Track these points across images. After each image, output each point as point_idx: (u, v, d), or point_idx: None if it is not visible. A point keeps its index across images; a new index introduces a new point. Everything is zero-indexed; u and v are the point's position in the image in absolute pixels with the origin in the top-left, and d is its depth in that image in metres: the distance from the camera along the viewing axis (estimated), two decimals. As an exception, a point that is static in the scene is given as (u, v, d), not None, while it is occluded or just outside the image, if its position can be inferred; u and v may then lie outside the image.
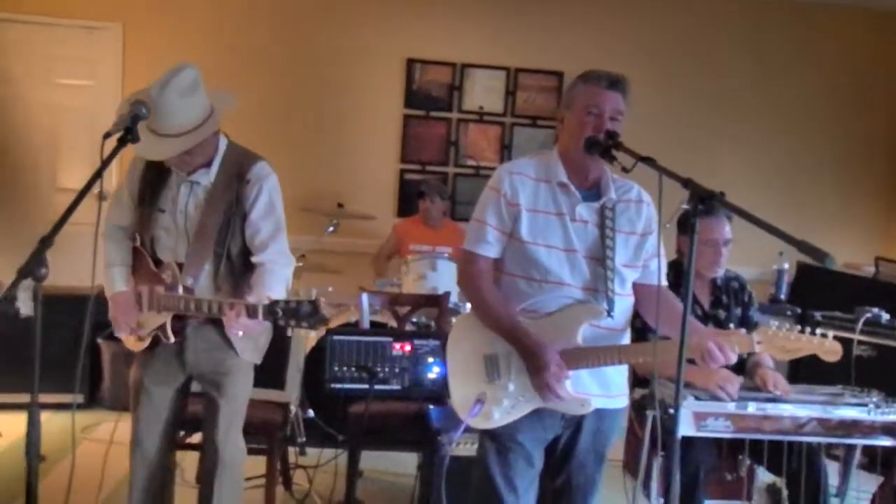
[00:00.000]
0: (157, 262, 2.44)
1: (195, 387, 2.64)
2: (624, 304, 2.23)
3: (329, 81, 5.44)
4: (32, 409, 1.57)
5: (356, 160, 5.49)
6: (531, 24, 5.55)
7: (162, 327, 2.38)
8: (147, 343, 2.46)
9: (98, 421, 4.10)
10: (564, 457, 2.29)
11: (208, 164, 2.40)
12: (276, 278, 2.38)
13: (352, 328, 3.78)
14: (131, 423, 2.56)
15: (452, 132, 5.60)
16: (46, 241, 1.65)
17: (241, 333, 2.25)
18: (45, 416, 1.95)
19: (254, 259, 2.43)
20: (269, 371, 3.28)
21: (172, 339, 2.38)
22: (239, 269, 2.46)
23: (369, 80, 5.47)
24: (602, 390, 2.23)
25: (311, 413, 3.99)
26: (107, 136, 1.94)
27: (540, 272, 2.18)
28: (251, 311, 2.18)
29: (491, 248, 2.23)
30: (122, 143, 1.93)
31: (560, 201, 2.19)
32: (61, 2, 5.24)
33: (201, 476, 2.63)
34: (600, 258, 2.17)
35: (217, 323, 2.41)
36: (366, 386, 3.10)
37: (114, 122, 2.02)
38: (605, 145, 2.05)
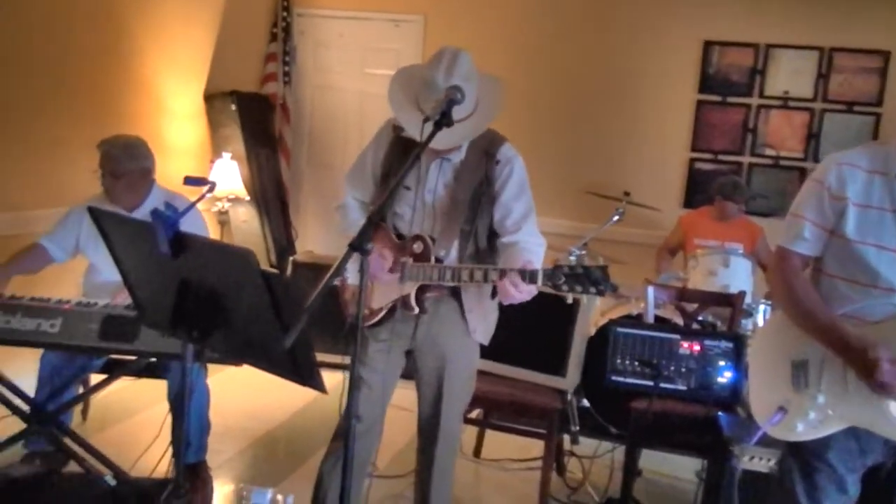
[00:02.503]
0: (398, 237, 2.44)
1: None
2: None
3: (620, 65, 5.31)
4: (353, 373, 1.68)
5: (644, 147, 5.31)
6: (851, -2, 4.95)
7: (405, 298, 2.37)
8: (378, 318, 2.45)
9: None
10: (888, 492, 2.00)
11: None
12: (535, 257, 2.28)
13: (635, 321, 3.67)
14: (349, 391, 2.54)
15: (751, 119, 5.19)
16: (373, 219, 1.75)
17: (515, 299, 2.13)
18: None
19: (505, 240, 2.38)
20: (552, 358, 3.31)
21: (417, 310, 2.36)
22: (483, 249, 2.44)
23: (662, 64, 5.25)
24: (940, 420, 1.91)
25: (584, 402, 3.95)
26: (426, 120, 2.03)
27: (867, 275, 1.92)
28: (529, 277, 2.09)
29: (807, 245, 2.02)
30: (437, 126, 2.01)
31: None
32: (374, -3, 5.72)
33: (420, 442, 2.60)
34: None
35: (457, 298, 2.42)
36: (649, 382, 2.97)
37: (430, 105, 2.10)
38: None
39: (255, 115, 5.59)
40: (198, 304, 1.71)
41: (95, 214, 1.86)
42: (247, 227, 5.48)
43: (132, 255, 1.86)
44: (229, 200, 5.25)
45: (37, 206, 3.90)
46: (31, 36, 3.87)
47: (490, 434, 3.68)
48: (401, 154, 2.38)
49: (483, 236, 2.42)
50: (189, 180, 2.12)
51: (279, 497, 3.15)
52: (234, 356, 1.82)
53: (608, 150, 5.35)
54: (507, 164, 2.38)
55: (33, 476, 3.08)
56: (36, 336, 2.70)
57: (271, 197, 5.69)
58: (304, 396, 4.20)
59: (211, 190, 2.11)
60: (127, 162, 3.08)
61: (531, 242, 2.34)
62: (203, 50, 5.28)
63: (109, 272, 3.22)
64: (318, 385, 1.63)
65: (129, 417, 3.86)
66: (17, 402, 2.99)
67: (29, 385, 3.09)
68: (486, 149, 2.38)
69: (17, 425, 3.04)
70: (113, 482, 2.95)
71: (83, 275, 3.36)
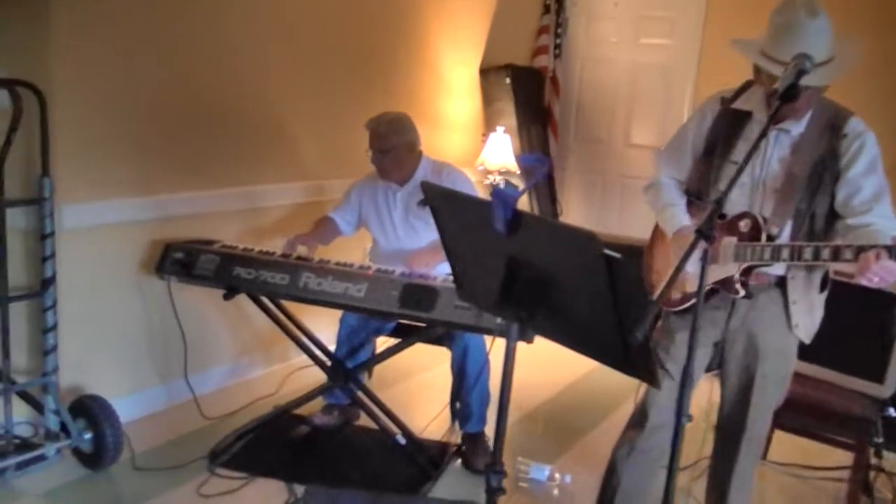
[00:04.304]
0: (720, 216, 2.23)
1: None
2: None
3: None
4: (688, 368, 1.57)
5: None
6: None
7: (727, 280, 2.18)
8: (691, 303, 2.28)
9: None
10: None
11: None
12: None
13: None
14: (648, 387, 2.35)
15: None
16: (720, 203, 1.62)
17: (875, 280, 1.87)
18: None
19: (852, 222, 2.09)
20: (869, 361, 2.95)
21: (743, 293, 2.16)
22: (819, 232, 2.17)
23: None
24: None
25: (891, 411, 3.49)
26: (771, 94, 1.84)
27: None
28: None
29: None
30: (783, 100, 1.82)
31: None
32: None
33: (719, 441, 2.44)
34: None
35: (781, 287, 2.19)
36: None
37: (782, 74, 1.89)
38: None
39: (527, 89, 5.58)
40: (527, 284, 1.68)
41: (426, 189, 1.90)
42: (514, 201, 5.52)
43: (460, 230, 1.88)
44: (500, 174, 5.31)
45: (330, 176, 4.21)
46: (335, 25, 4.15)
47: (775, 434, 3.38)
48: (727, 127, 2.21)
49: (821, 217, 2.17)
50: (524, 159, 2.11)
51: (556, 475, 3.15)
52: (556, 338, 1.78)
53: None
54: (856, 137, 2.11)
55: (333, 426, 3.35)
56: (344, 299, 2.89)
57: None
58: (573, 372, 4.16)
59: (552, 170, 2.09)
60: (392, 137, 3.18)
61: (886, 226, 2.02)
62: (481, 24, 5.35)
63: (387, 246, 3.38)
64: (653, 379, 1.54)
65: (409, 378, 4.08)
66: (320, 356, 3.27)
67: (324, 341, 3.35)
68: (831, 122, 2.13)
69: (314, 378, 3.32)
70: (403, 441, 3.11)
71: (371, 241, 3.55)
